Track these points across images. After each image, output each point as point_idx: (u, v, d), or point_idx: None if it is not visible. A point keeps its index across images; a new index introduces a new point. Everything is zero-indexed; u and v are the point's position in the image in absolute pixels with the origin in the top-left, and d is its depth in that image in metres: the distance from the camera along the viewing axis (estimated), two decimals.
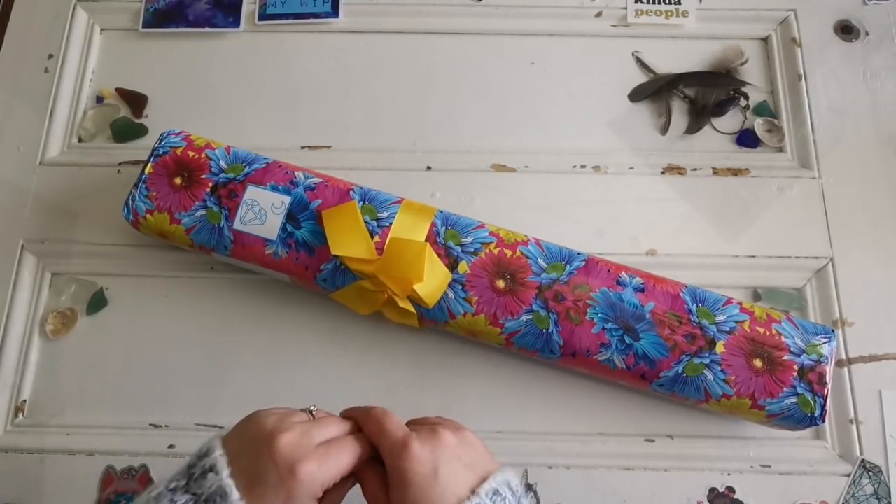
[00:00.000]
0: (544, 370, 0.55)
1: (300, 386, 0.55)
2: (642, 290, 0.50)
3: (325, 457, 0.35)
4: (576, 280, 0.50)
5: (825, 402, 0.48)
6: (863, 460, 0.53)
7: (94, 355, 0.56)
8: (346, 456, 0.36)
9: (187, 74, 0.64)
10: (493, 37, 0.65)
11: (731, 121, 0.63)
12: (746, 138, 0.62)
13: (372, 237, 0.50)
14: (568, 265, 0.51)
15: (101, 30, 0.66)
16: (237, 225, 0.52)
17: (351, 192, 0.52)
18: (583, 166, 0.61)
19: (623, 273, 0.51)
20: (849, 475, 0.53)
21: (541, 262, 0.51)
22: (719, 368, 0.48)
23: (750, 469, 0.53)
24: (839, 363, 0.55)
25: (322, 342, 0.56)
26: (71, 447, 0.54)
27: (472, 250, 0.51)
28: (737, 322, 0.49)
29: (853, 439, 0.54)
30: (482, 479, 0.36)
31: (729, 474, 0.53)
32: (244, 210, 0.52)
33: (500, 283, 0.50)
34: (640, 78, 0.64)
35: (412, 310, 0.50)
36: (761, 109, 0.63)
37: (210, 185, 0.53)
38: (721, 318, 0.49)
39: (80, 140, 0.62)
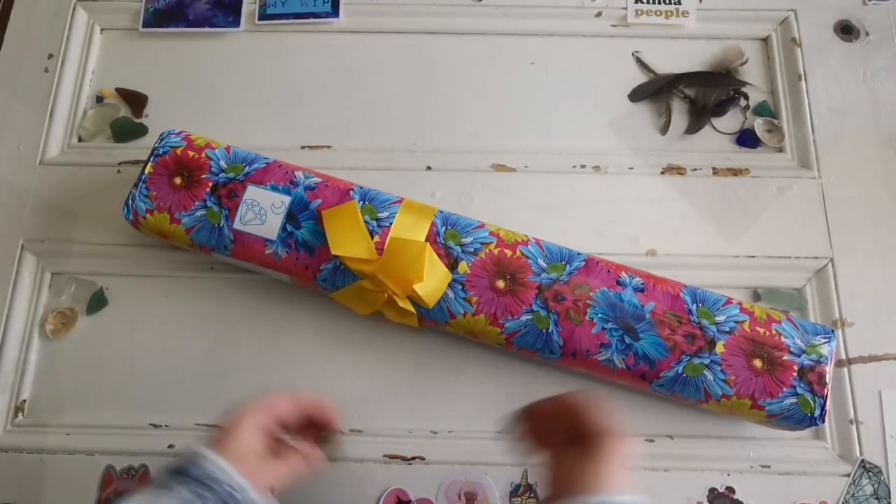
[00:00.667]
0: (544, 370, 0.55)
1: (300, 386, 0.55)
2: (642, 290, 0.50)
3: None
4: (576, 280, 0.50)
5: (825, 402, 0.48)
6: (863, 460, 0.53)
7: (94, 355, 0.56)
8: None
9: (187, 74, 0.64)
10: (493, 37, 0.65)
11: (731, 121, 0.63)
12: (746, 138, 0.62)
13: (372, 237, 0.50)
14: (568, 265, 0.51)
15: (101, 29, 0.66)
16: (237, 225, 0.52)
17: (351, 192, 0.52)
18: (583, 166, 0.61)
19: (623, 273, 0.51)
20: (849, 475, 0.53)
21: (541, 262, 0.51)
22: (719, 368, 0.48)
23: (750, 469, 0.53)
24: (839, 363, 0.55)
25: (322, 342, 0.56)
26: (71, 447, 0.54)
27: (472, 250, 0.51)
28: (737, 322, 0.49)
29: (853, 439, 0.54)
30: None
31: (729, 474, 0.53)
32: (244, 210, 0.52)
33: (500, 283, 0.50)
34: (640, 78, 0.64)
35: (412, 310, 0.50)
36: (761, 109, 0.63)
37: (210, 184, 0.53)
38: (721, 318, 0.49)
39: (80, 140, 0.62)
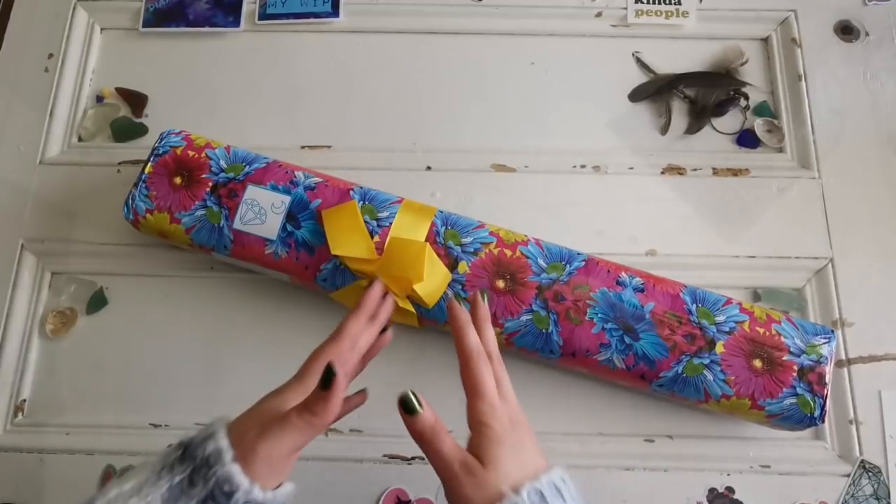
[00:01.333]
0: (544, 370, 0.55)
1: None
2: (642, 291, 0.50)
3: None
4: (576, 280, 0.50)
5: (825, 402, 0.48)
6: (862, 461, 0.53)
7: (94, 355, 0.56)
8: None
9: (187, 74, 0.64)
10: (493, 37, 0.65)
11: (731, 121, 0.63)
12: (746, 138, 0.62)
13: (372, 237, 0.50)
14: (568, 265, 0.51)
15: (102, 29, 0.66)
16: (237, 224, 0.52)
17: (351, 192, 0.52)
18: (583, 166, 0.61)
19: (623, 273, 0.51)
20: (848, 475, 0.53)
21: (541, 262, 0.51)
22: (719, 369, 0.48)
23: (749, 469, 0.53)
24: (839, 363, 0.55)
25: (322, 342, 0.56)
26: (71, 447, 0.54)
27: (472, 250, 0.51)
28: (736, 322, 0.49)
29: (853, 439, 0.54)
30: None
31: (728, 474, 0.53)
32: (244, 210, 0.52)
33: (500, 283, 0.50)
34: (640, 78, 0.64)
35: (412, 310, 0.50)
36: (761, 110, 0.63)
37: (210, 184, 0.53)
38: (721, 318, 0.49)
39: (80, 139, 0.62)
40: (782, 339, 0.49)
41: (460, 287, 0.50)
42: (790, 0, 0.66)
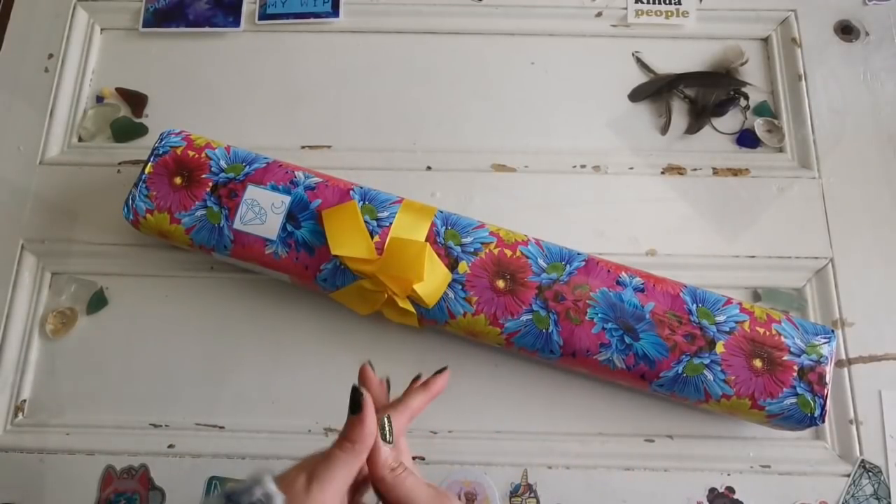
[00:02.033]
0: (544, 370, 0.55)
1: (300, 386, 0.55)
2: (642, 290, 0.50)
3: None
4: (576, 280, 0.50)
5: (825, 402, 0.48)
6: (863, 460, 0.53)
7: (94, 355, 0.56)
8: None
9: (187, 74, 0.64)
10: (493, 37, 0.65)
11: (731, 121, 0.63)
12: (746, 138, 0.62)
13: (372, 237, 0.50)
14: (568, 265, 0.51)
15: (102, 29, 0.66)
16: (237, 224, 0.52)
17: (351, 192, 0.52)
18: (583, 166, 0.61)
19: (623, 273, 0.51)
20: (849, 475, 0.53)
21: (541, 262, 0.51)
22: (719, 368, 0.48)
23: (750, 469, 0.53)
24: (839, 363, 0.55)
25: (322, 342, 0.56)
26: (71, 447, 0.54)
27: (472, 250, 0.51)
28: (737, 322, 0.49)
29: (853, 439, 0.54)
30: None
31: (729, 474, 0.53)
32: (244, 210, 0.52)
33: (500, 283, 0.50)
34: (640, 78, 0.64)
35: (412, 310, 0.50)
36: (761, 109, 0.63)
37: (210, 184, 0.53)
38: (721, 318, 0.49)
39: (80, 140, 0.62)
40: (782, 338, 0.49)
41: (460, 287, 0.50)
42: (790, 0, 0.66)
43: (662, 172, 0.61)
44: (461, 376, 0.55)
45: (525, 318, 0.50)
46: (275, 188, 0.52)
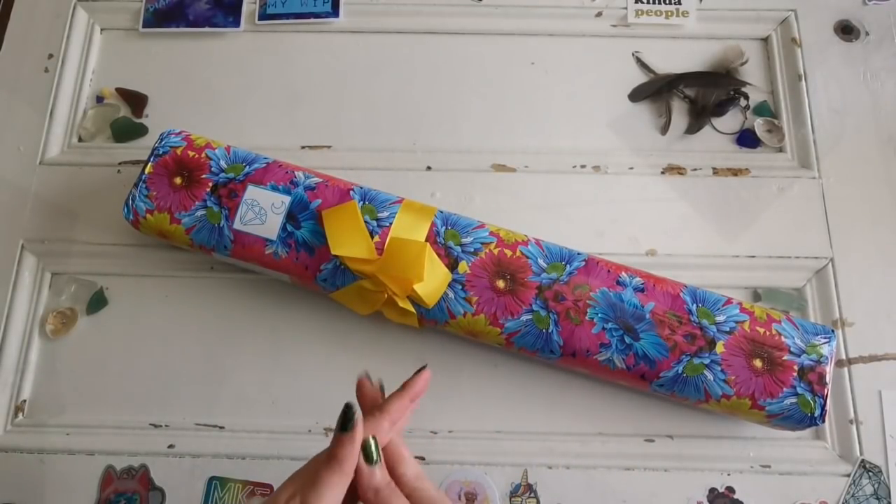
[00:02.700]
0: (544, 370, 0.55)
1: (300, 386, 0.55)
2: (642, 290, 0.50)
3: None
4: (576, 280, 0.50)
5: (825, 402, 0.48)
6: (863, 460, 0.53)
7: (94, 355, 0.56)
8: None
9: (187, 74, 0.64)
10: (493, 37, 0.65)
11: (731, 121, 0.63)
12: (746, 138, 0.62)
13: (372, 237, 0.50)
14: (568, 265, 0.51)
15: (101, 30, 0.66)
16: (237, 225, 0.52)
17: (351, 192, 0.52)
18: (583, 166, 0.61)
19: (623, 273, 0.51)
20: (849, 475, 0.53)
21: (541, 262, 0.51)
22: (719, 368, 0.48)
23: (750, 469, 0.53)
24: (839, 363, 0.55)
25: (322, 342, 0.56)
26: (71, 447, 0.54)
27: (472, 250, 0.51)
28: (737, 322, 0.49)
29: (853, 439, 0.54)
30: None
31: (729, 474, 0.53)
32: (244, 210, 0.52)
33: (500, 283, 0.50)
34: (640, 78, 0.64)
35: (412, 310, 0.50)
36: (761, 109, 0.63)
37: (210, 184, 0.53)
38: (721, 318, 0.49)
39: (80, 140, 0.62)
40: (782, 338, 0.49)
41: (460, 287, 0.50)
42: (790, 0, 0.66)
43: (662, 172, 0.61)
44: (461, 376, 0.55)
45: (525, 318, 0.50)
46: (275, 188, 0.52)
